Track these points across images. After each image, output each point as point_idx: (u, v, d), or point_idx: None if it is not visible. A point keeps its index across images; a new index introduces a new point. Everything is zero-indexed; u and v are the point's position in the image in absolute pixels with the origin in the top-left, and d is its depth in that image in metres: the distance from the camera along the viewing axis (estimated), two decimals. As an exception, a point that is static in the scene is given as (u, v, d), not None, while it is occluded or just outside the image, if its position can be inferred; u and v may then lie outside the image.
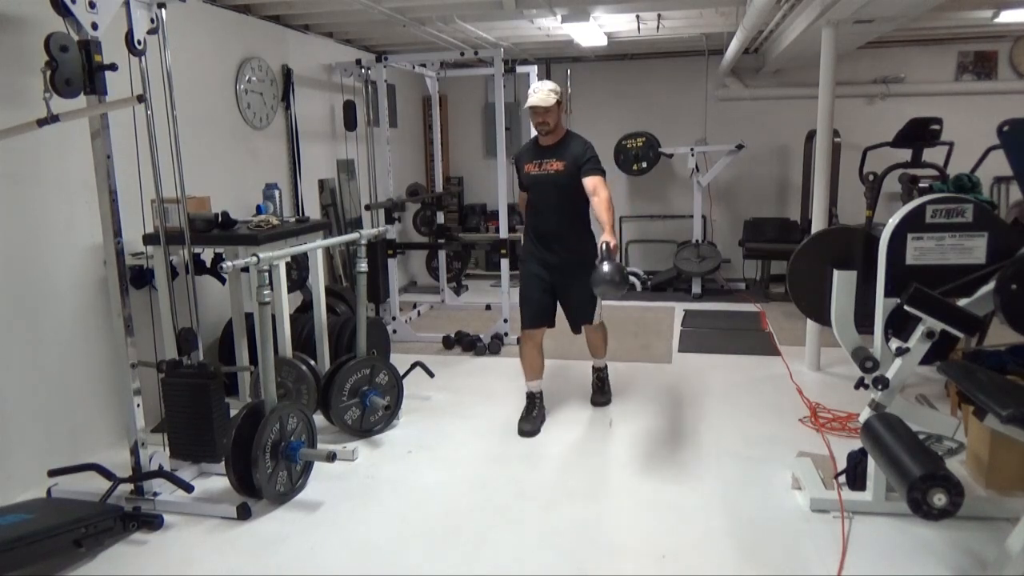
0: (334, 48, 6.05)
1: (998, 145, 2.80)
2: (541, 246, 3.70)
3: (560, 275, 3.68)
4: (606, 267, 3.14)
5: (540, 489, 3.10)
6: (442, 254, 6.79)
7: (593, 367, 4.16)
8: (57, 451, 3.28)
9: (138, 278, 3.60)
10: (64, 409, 3.37)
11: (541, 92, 3.50)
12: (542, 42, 6.56)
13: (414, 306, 6.50)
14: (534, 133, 3.70)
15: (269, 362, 3.07)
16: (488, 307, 6.49)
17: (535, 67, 6.20)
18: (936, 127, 4.91)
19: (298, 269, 4.57)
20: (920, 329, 2.59)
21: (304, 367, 3.70)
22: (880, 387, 2.64)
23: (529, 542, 2.69)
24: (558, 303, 3.78)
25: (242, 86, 4.72)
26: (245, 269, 3.30)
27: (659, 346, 5.28)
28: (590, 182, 3.52)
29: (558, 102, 3.53)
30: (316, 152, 5.73)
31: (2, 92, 3.05)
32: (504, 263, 5.41)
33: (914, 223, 2.67)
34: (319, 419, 3.55)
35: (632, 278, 7.32)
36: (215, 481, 3.17)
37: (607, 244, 3.27)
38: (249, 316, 3.71)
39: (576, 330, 3.85)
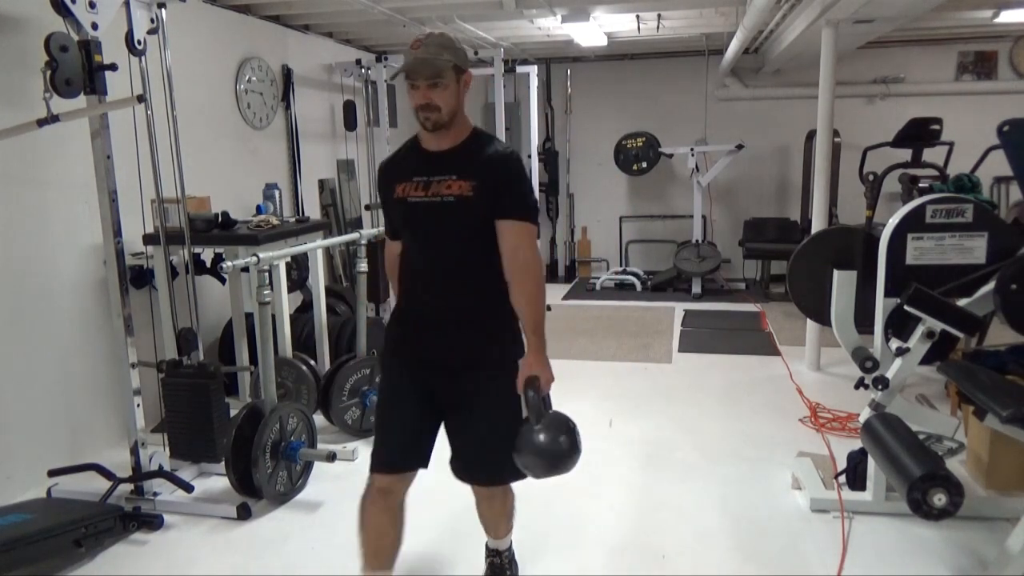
0: (334, 48, 6.05)
1: (998, 145, 2.79)
2: (419, 332, 2.03)
3: (452, 387, 2.01)
4: (541, 435, 1.83)
5: (540, 489, 3.09)
6: (442, 254, 6.76)
7: (487, 548, 2.40)
8: (57, 451, 3.28)
9: (138, 278, 3.59)
10: (64, 409, 3.37)
11: (425, 50, 1.86)
12: (542, 42, 6.56)
13: (414, 306, 6.48)
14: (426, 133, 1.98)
15: (269, 362, 3.07)
16: (488, 307, 6.47)
17: (535, 67, 6.20)
18: (936, 127, 4.91)
19: (298, 269, 4.56)
20: (920, 329, 2.59)
21: (304, 367, 3.70)
22: (880, 387, 2.64)
23: (529, 542, 2.69)
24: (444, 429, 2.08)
25: (242, 86, 4.71)
26: (245, 269, 3.30)
27: (659, 346, 5.27)
28: (511, 233, 1.91)
29: (457, 69, 1.90)
30: (316, 152, 5.73)
31: (2, 92, 3.05)
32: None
33: (914, 223, 2.67)
34: (319, 419, 3.55)
35: (635, 276, 7.32)
36: (215, 481, 3.17)
37: (535, 383, 1.87)
38: (249, 316, 3.71)
39: (464, 478, 2.10)
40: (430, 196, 1.94)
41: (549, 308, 6.33)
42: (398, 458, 2.03)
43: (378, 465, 2.02)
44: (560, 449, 1.87)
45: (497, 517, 2.29)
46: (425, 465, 2.05)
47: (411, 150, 2.06)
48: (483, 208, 1.91)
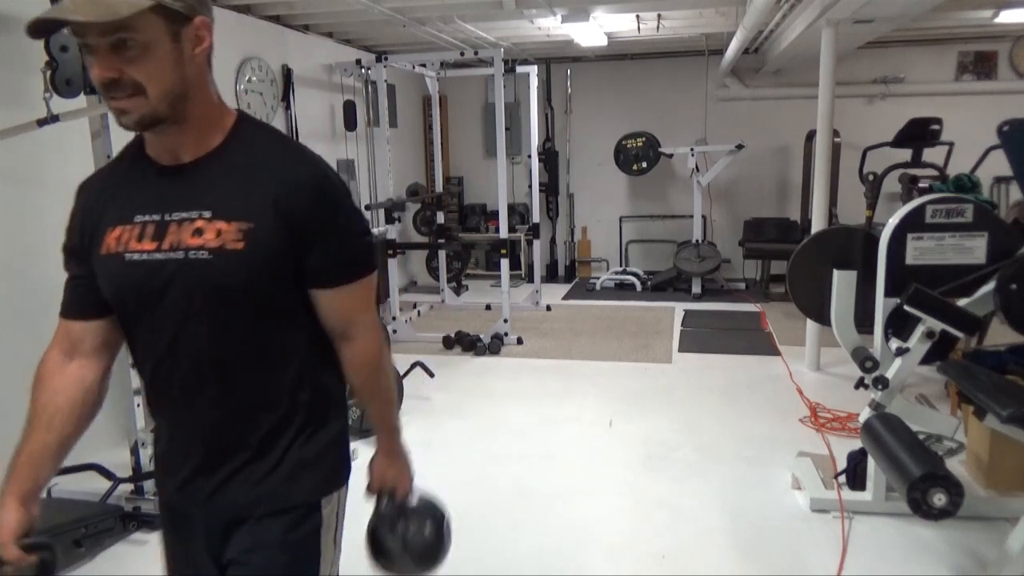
0: (334, 48, 6.05)
1: (998, 145, 2.80)
2: (179, 466, 1.28)
3: (229, 544, 1.24)
4: (410, 526, 1.31)
5: (540, 489, 3.10)
6: (442, 254, 6.79)
7: None
8: (57, 451, 3.28)
9: (138, 278, 3.59)
10: (64, 409, 3.36)
11: None
12: (542, 42, 6.56)
13: (414, 306, 6.49)
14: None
15: (269, 362, 3.06)
16: (488, 307, 6.49)
17: (535, 67, 6.19)
18: (936, 127, 4.92)
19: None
20: (920, 329, 2.59)
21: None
22: (880, 387, 2.64)
23: (529, 542, 2.69)
24: None
25: (242, 86, 4.71)
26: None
27: (659, 346, 5.27)
28: (344, 303, 1.25)
29: (169, 13, 1.04)
30: (316, 152, 5.72)
31: (2, 92, 3.05)
32: (504, 263, 5.41)
33: (914, 223, 2.67)
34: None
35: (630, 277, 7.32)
36: (215, 481, 3.17)
37: (391, 493, 1.33)
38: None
39: None
40: (166, 251, 1.13)
41: (549, 308, 6.38)
42: None
43: None
44: (427, 540, 1.32)
45: None
46: None
47: (132, 163, 1.22)
48: (265, 267, 1.13)
